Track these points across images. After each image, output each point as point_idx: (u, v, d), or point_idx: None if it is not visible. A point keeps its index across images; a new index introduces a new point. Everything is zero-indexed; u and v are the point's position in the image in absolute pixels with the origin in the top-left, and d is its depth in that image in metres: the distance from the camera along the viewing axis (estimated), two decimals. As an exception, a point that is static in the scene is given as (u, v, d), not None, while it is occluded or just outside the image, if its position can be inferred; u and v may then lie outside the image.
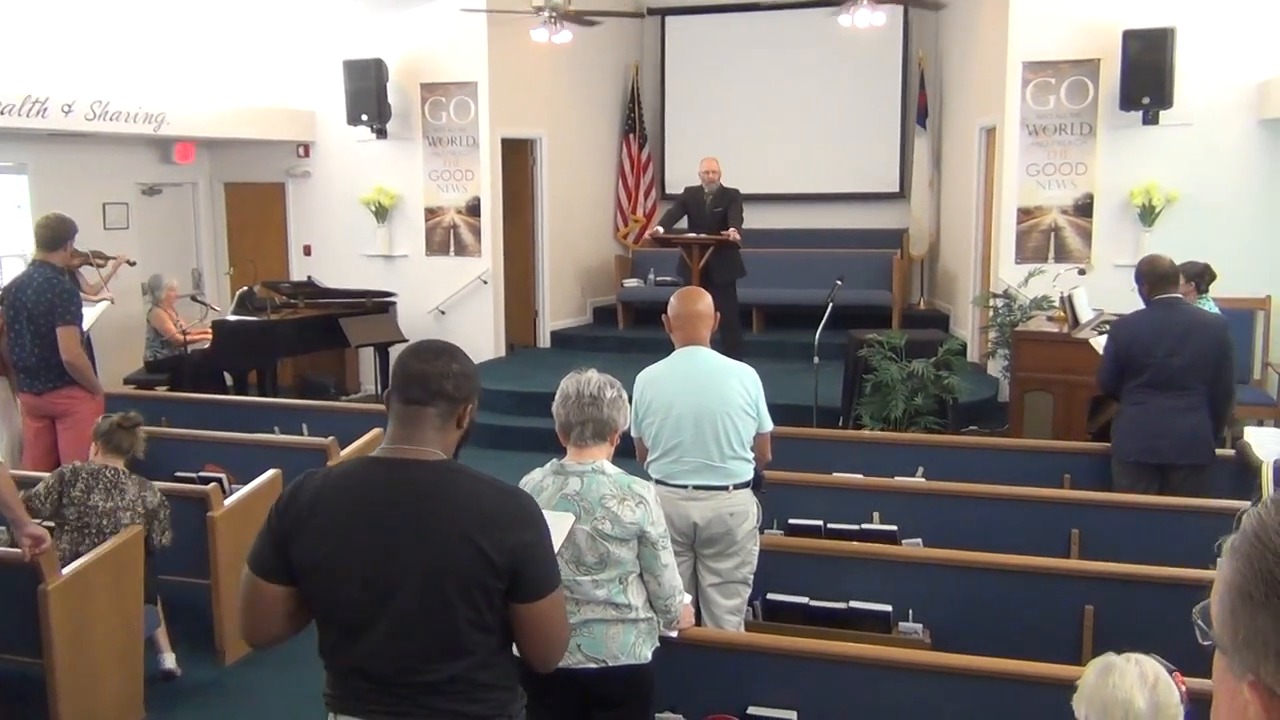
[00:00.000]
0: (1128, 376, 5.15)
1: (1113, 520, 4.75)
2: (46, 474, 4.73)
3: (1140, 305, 5.32)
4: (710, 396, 4.07)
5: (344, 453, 5.94)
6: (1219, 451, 5.53)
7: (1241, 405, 7.32)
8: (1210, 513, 4.54)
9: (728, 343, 8.42)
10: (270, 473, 5.30)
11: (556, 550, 2.84)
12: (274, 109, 10.37)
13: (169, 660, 4.81)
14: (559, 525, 2.91)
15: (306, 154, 10.79)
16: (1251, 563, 0.85)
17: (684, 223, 9.12)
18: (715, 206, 8.90)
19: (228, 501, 5.10)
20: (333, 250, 10.76)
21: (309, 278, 10.48)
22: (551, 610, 2.28)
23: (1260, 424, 7.42)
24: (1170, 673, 2.37)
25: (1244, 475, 5.20)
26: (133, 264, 8.57)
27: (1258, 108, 8.30)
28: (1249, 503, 0.92)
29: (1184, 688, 2.34)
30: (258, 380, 9.24)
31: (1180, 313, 5.11)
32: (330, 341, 9.49)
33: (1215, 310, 6.71)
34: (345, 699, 2.27)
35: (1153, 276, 5.19)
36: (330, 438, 6.00)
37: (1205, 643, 0.94)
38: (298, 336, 9.27)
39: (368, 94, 9.97)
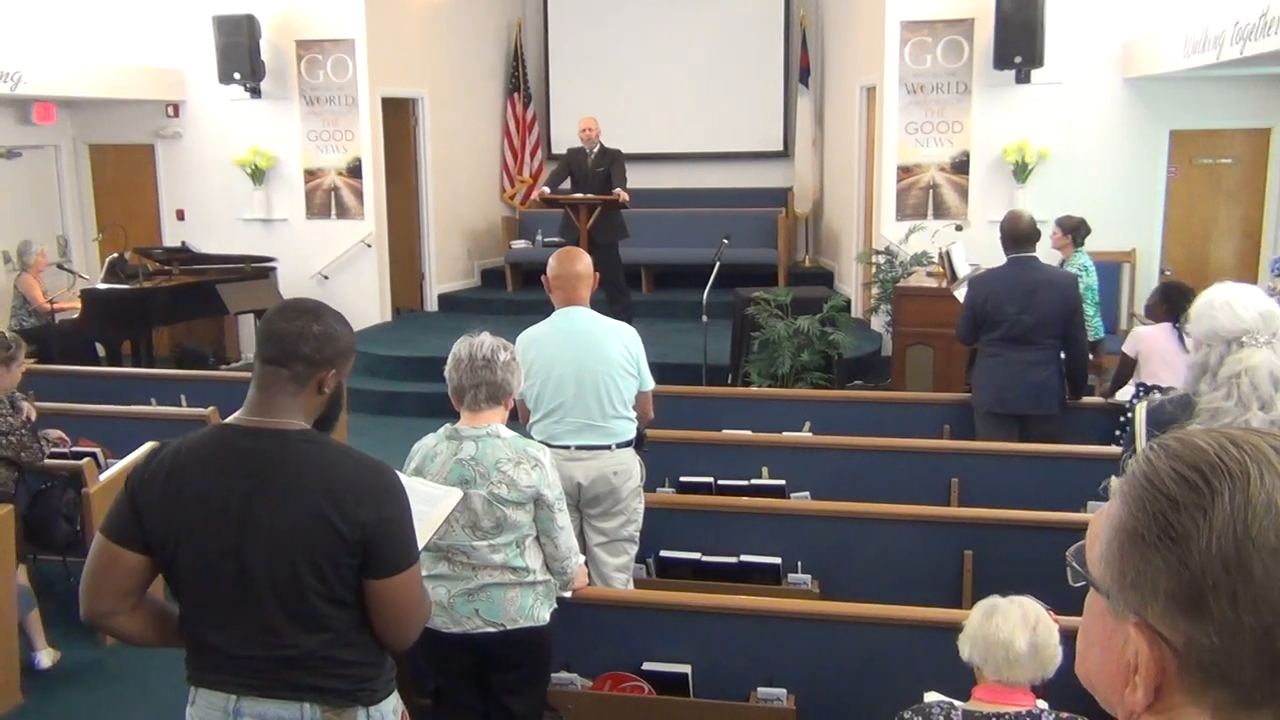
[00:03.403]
0: (984, 331, 5.35)
1: (989, 468, 4.92)
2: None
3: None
4: (591, 356, 4.08)
5: (226, 423, 5.79)
6: (1090, 400, 5.78)
7: (1110, 354, 7.65)
8: (1082, 458, 4.75)
9: (614, 303, 8.45)
10: (147, 445, 5.09)
11: (441, 521, 2.81)
12: (139, 67, 9.91)
13: (44, 659, 4.62)
14: (445, 501, 2.86)
15: (176, 114, 10.37)
16: (1145, 506, 0.87)
17: (568, 184, 9.07)
18: (598, 167, 8.88)
19: (103, 476, 4.92)
20: (207, 214, 10.40)
21: (183, 243, 10.13)
22: (406, 588, 2.21)
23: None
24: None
25: (1112, 421, 5.44)
26: None
27: (1122, 67, 8.61)
28: (1119, 448, 0.95)
29: (1058, 625, 2.45)
30: (132, 350, 8.90)
31: (1032, 271, 5.30)
32: (208, 309, 9.19)
33: (1088, 264, 6.99)
34: (204, 672, 2.22)
35: (1013, 234, 5.37)
36: (210, 408, 5.83)
37: (1077, 584, 0.96)
38: (173, 304, 8.95)
39: (239, 51, 9.61)
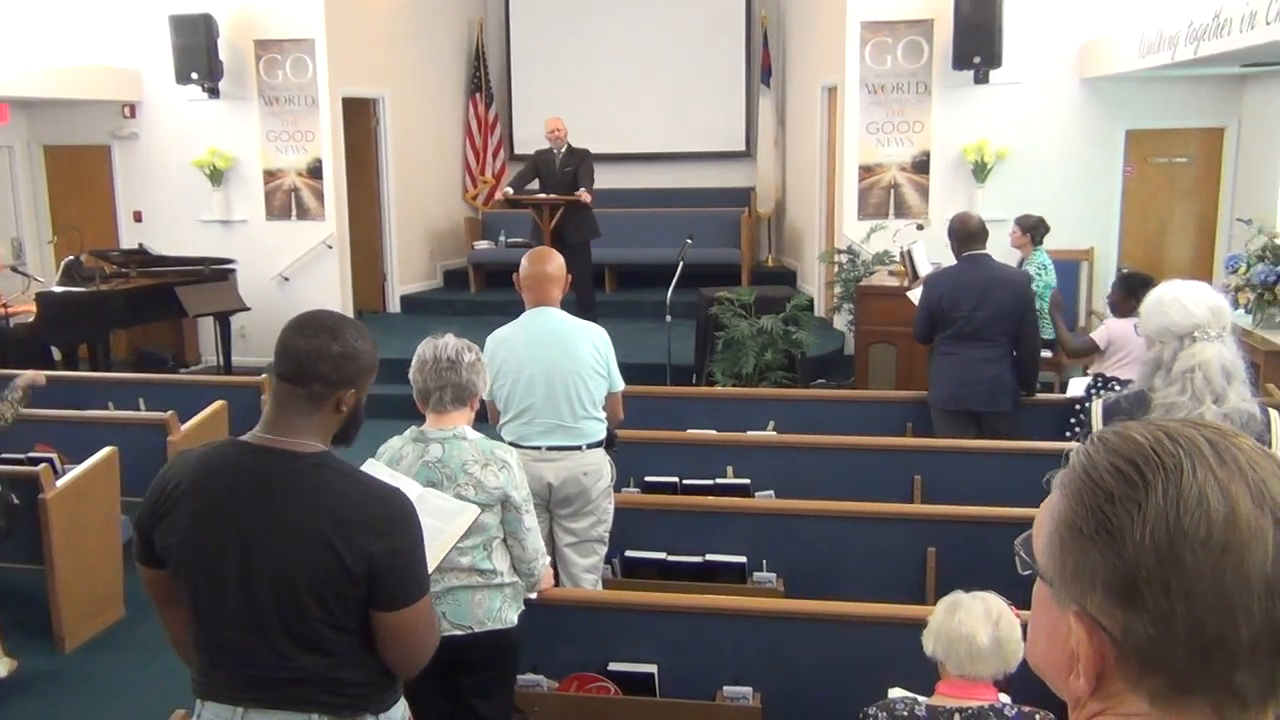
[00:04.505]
0: (939, 329, 5.40)
1: (952, 465, 4.96)
2: None
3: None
4: (562, 357, 4.07)
5: (184, 428, 5.73)
6: (1046, 396, 5.84)
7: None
8: (1041, 454, 4.80)
9: (581, 303, 8.45)
10: (105, 450, 5.07)
11: (456, 540, 2.78)
12: (95, 67, 9.78)
13: (0, 669, 4.54)
14: (461, 518, 2.84)
15: (133, 114, 10.24)
16: (1082, 499, 0.90)
17: (535, 184, 9.05)
18: (565, 167, 8.88)
19: (60, 483, 4.85)
20: (166, 216, 10.28)
21: (140, 245, 10.00)
22: (413, 620, 2.16)
23: (1085, 370, 7.84)
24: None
25: (1068, 417, 5.51)
26: None
27: (1079, 67, 8.72)
28: (1075, 444, 0.97)
29: (1020, 620, 2.48)
30: (89, 354, 8.78)
31: (984, 269, 5.35)
32: (166, 312, 9.08)
33: (1047, 262, 7.07)
34: (212, 686, 2.18)
35: (963, 233, 5.42)
36: (169, 412, 5.76)
37: (1025, 572, 0.98)
38: (130, 307, 8.83)
39: (197, 51, 9.50)
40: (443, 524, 2.71)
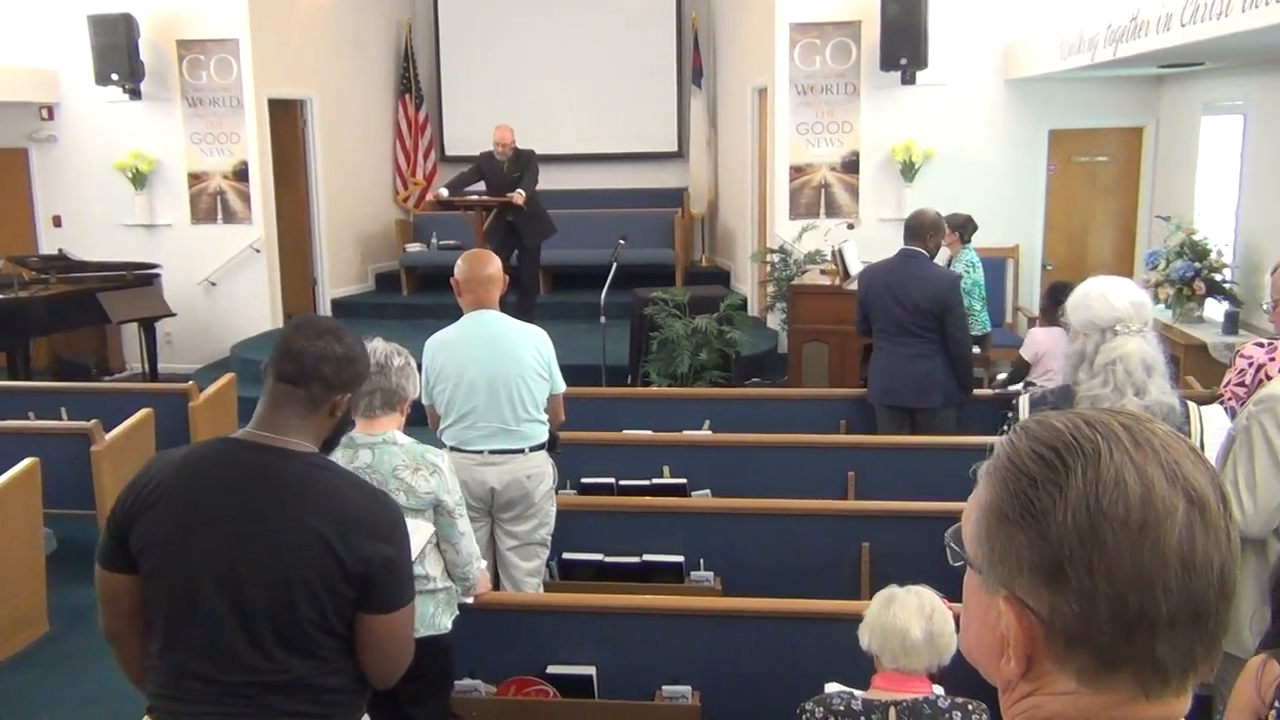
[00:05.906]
0: (872, 324, 5.47)
1: (884, 461, 5.02)
2: None
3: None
4: (503, 360, 4.05)
5: (108, 437, 5.59)
6: (980, 392, 5.94)
7: (996, 348, 7.89)
8: (971, 449, 4.86)
9: (523, 304, 8.48)
10: (26, 462, 4.93)
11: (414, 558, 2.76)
12: (10, 68, 9.50)
13: None
14: (416, 536, 2.81)
15: (51, 116, 9.97)
16: (1006, 485, 0.93)
17: (482, 187, 8.98)
18: (513, 171, 8.82)
19: (-22, 496, 4.71)
20: (87, 220, 10.01)
21: (60, 250, 9.73)
22: (400, 625, 2.17)
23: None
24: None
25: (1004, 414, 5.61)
26: None
27: (1002, 68, 8.88)
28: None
29: (953, 613, 2.52)
30: (8, 363, 8.54)
31: (909, 264, 5.41)
32: (89, 318, 8.84)
33: (975, 260, 7.17)
34: (176, 701, 2.11)
35: (908, 227, 5.50)
36: (93, 421, 5.62)
37: (956, 564, 1.01)
38: (51, 314, 8.59)
39: (117, 51, 9.28)
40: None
